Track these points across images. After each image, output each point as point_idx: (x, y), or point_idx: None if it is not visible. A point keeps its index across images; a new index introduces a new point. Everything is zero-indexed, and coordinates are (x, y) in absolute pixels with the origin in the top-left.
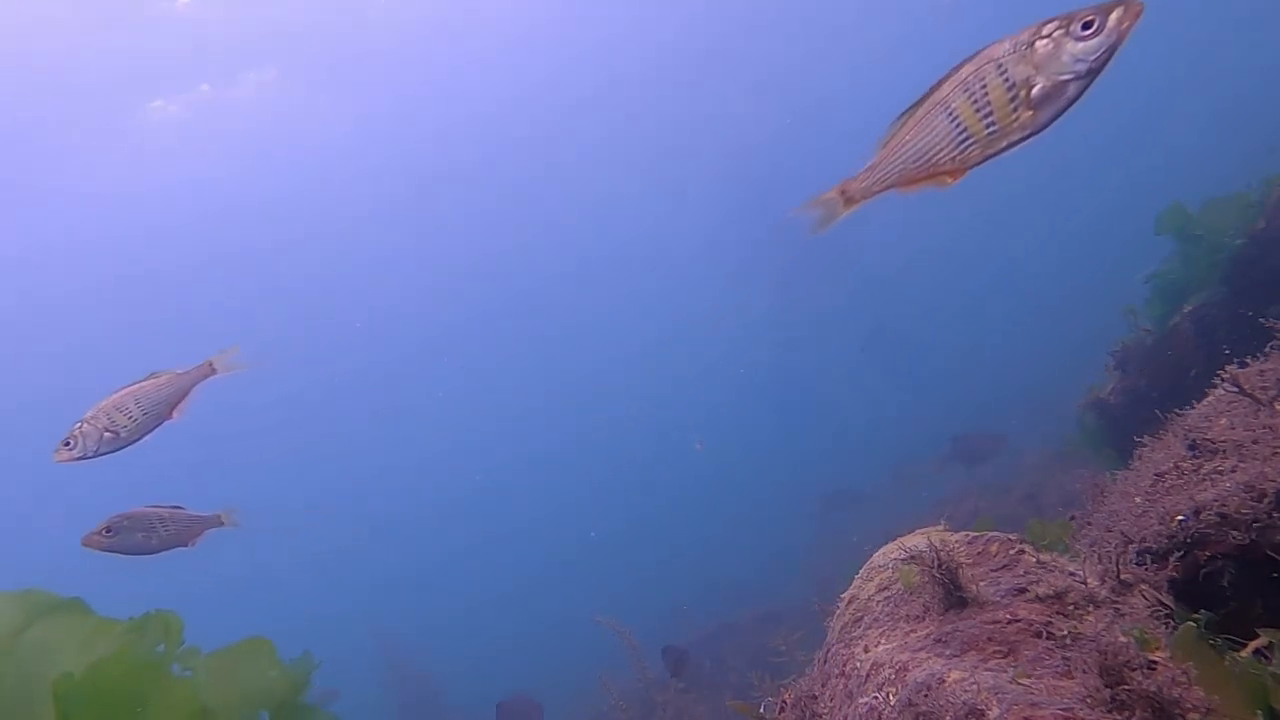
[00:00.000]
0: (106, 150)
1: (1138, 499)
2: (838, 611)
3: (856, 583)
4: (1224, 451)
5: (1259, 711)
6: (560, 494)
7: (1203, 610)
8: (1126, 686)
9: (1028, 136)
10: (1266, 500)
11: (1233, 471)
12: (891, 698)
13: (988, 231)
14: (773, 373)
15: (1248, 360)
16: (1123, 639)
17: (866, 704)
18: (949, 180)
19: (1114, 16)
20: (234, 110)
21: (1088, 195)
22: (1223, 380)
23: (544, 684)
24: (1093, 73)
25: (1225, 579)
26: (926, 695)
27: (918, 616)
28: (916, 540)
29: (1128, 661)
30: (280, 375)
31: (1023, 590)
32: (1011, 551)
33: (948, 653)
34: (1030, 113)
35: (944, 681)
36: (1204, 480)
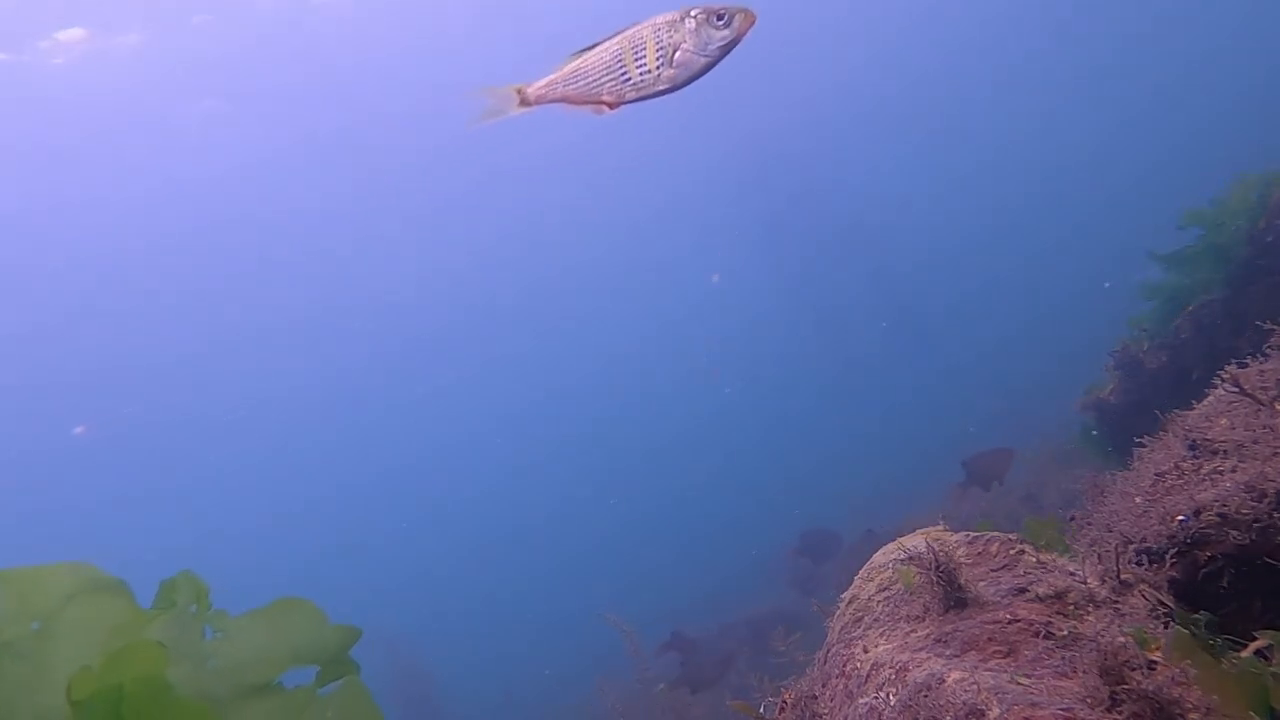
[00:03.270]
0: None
1: (1138, 499)
2: (838, 611)
3: (857, 583)
4: (1224, 452)
5: (1259, 712)
6: (560, 495)
7: (1203, 610)
8: (1126, 686)
9: (666, 90)
10: (1267, 500)
11: (1233, 472)
12: (892, 698)
13: (989, 232)
14: (778, 369)
15: (1248, 360)
16: (1122, 639)
17: (867, 704)
18: (606, 109)
19: (739, 18)
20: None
21: (1090, 197)
22: (1223, 380)
23: (543, 683)
24: (717, 55)
25: (1225, 579)
26: (927, 695)
27: (918, 617)
28: (916, 540)
29: (1128, 661)
30: (280, 374)
31: (1023, 590)
32: (1011, 551)
33: (948, 653)
34: (671, 71)
35: (944, 682)
36: (1204, 480)
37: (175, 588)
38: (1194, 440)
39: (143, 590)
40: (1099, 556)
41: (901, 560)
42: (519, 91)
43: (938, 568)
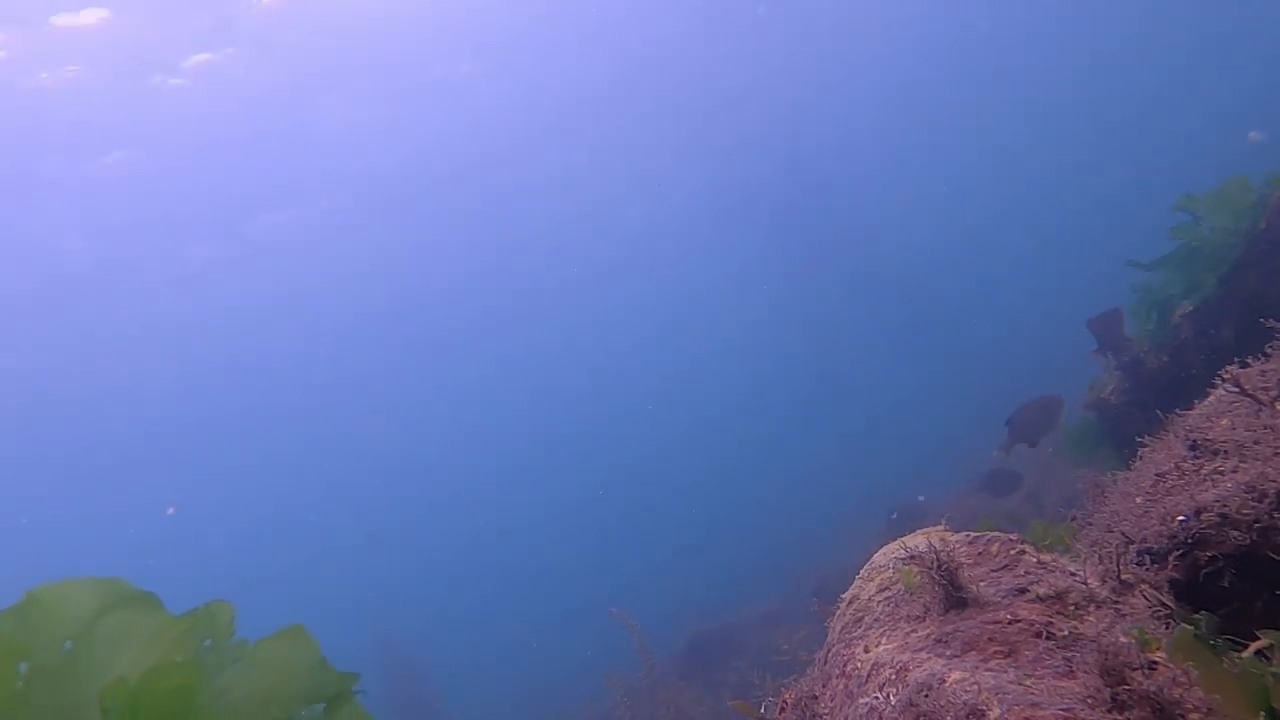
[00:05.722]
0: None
1: (1139, 499)
2: (839, 611)
3: (857, 583)
4: (1225, 452)
5: (1259, 712)
6: (560, 496)
7: (1203, 611)
8: (1127, 687)
9: None
10: (1267, 501)
11: (1234, 472)
12: (892, 698)
13: (987, 232)
14: (778, 367)
15: (1249, 360)
16: (1123, 639)
17: (867, 704)
18: None
19: None
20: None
21: (1091, 196)
22: (1224, 380)
23: (545, 682)
24: None
25: (1226, 579)
26: (927, 695)
27: (918, 617)
28: (917, 540)
29: (1128, 662)
30: (279, 374)
31: (1023, 590)
32: (1012, 551)
33: (948, 653)
34: None
35: (945, 682)
36: (1205, 480)
37: (198, 616)
38: (1195, 440)
39: (170, 602)
40: (1100, 557)
41: (903, 560)
42: None
43: (939, 567)
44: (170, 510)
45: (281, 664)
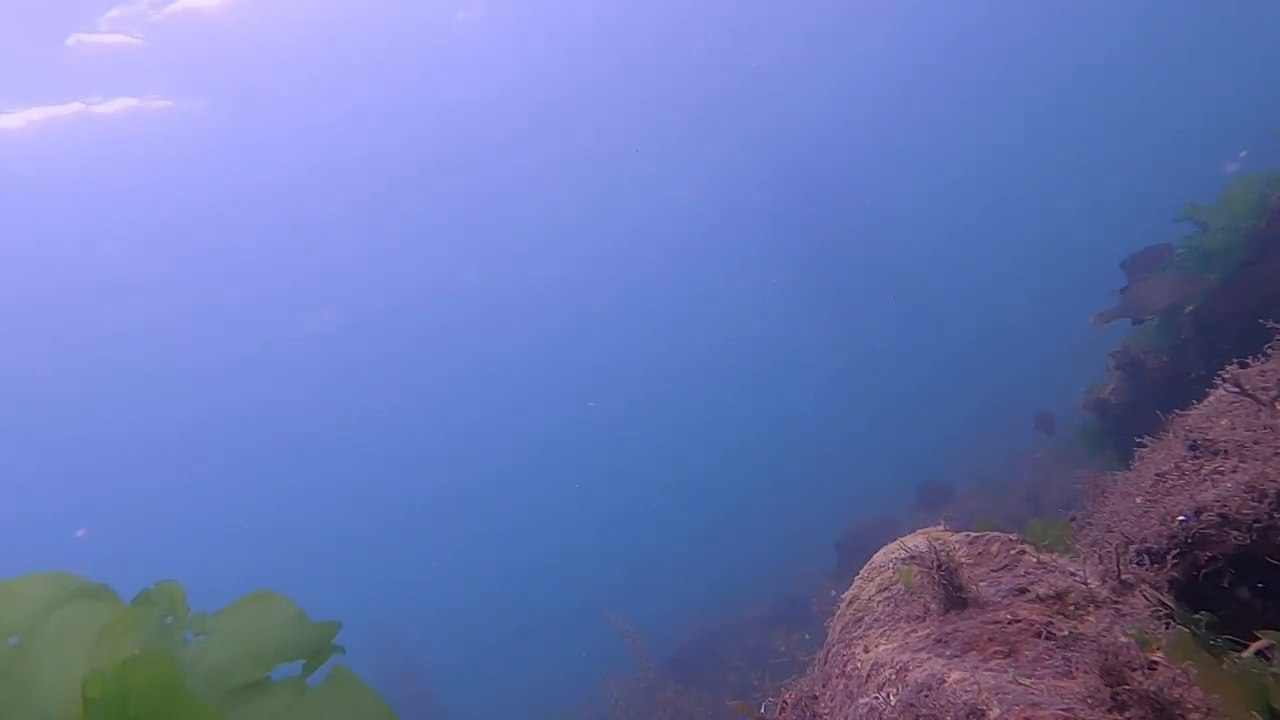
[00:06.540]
0: None
1: (1139, 499)
2: (839, 612)
3: (857, 583)
4: (1225, 452)
5: (1259, 711)
6: (560, 496)
7: (1203, 611)
8: (1127, 687)
9: None
10: (1267, 501)
11: (1234, 472)
12: (892, 698)
13: (988, 231)
14: (778, 367)
15: (1249, 360)
16: (1123, 639)
17: (867, 704)
18: None
19: None
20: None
21: (1092, 195)
22: (1223, 381)
23: (544, 682)
24: None
25: (1225, 579)
26: (927, 695)
27: (918, 617)
28: (917, 540)
29: (1128, 662)
30: (278, 372)
31: (1023, 590)
32: (1012, 551)
33: (948, 653)
34: None
35: (944, 682)
36: (1205, 480)
37: (152, 598)
38: (1195, 440)
39: (129, 596)
40: (1100, 557)
41: (902, 560)
42: None
43: (939, 567)
44: (80, 533)
45: (248, 628)
